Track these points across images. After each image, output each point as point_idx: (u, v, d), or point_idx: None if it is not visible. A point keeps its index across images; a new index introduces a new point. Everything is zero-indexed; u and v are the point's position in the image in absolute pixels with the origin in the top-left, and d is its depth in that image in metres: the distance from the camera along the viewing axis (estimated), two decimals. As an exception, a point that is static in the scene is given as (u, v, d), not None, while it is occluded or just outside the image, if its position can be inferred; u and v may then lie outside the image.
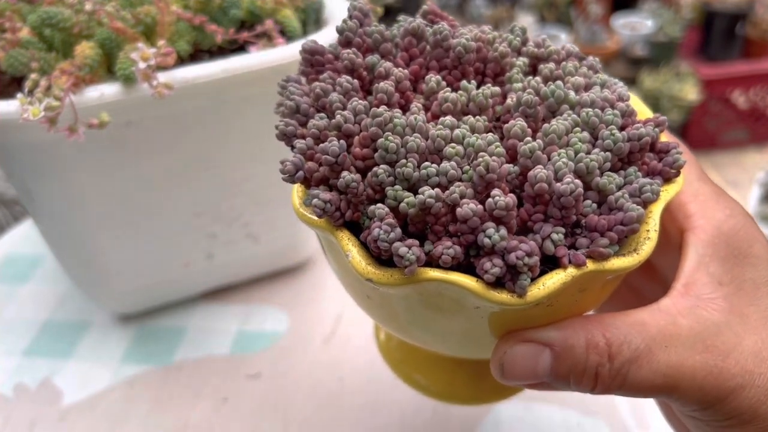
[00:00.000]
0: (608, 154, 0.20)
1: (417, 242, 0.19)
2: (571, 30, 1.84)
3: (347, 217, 0.21)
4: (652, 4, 1.87)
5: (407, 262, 0.19)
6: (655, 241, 0.20)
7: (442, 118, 0.21)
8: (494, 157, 0.19)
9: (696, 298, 0.20)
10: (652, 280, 0.26)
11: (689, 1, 1.81)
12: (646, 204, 0.20)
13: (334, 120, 0.21)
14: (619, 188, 0.20)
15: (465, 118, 0.21)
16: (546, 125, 0.21)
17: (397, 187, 0.20)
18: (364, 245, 0.20)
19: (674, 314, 0.20)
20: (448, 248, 0.19)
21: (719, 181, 1.76)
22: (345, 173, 0.20)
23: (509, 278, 0.19)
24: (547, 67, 0.23)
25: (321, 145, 0.21)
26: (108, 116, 0.32)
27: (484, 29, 0.24)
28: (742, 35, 1.78)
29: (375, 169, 0.20)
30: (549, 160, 0.20)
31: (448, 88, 0.22)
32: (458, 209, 0.19)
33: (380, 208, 0.20)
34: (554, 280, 0.19)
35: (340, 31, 0.24)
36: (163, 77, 0.33)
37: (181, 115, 0.37)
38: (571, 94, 0.22)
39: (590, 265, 0.19)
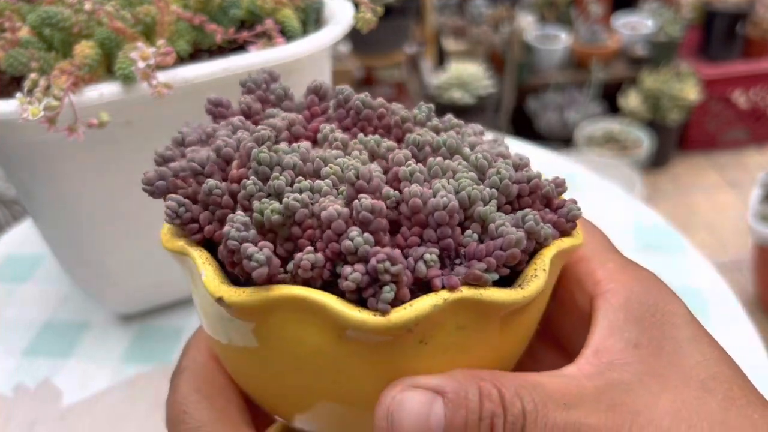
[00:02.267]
0: (494, 191, 0.19)
1: (271, 245, 0.17)
2: (571, 30, 1.84)
3: (207, 232, 0.19)
4: (653, 4, 1.87)
5: (255, 263, 0.16)
6: (543, 283, 0.18)
7: (331, 152, 0.20)
8: (367, 167, 0.18)
9: (607, 365, 0.18)
10: (563, 356, 0.24)
11: (689, 0, 1.81)
12: (539, 246, 0.19)
13: (214, 144, 0.20)
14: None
15: (354, 153, 0.20)
16: (431, 159, 0.20)
17: (264, 199, 0.18)
18: (227, 271, 0.18)
19: (578, 377, 0.18)
20: (308, 254, 0.17)
21: (719, 181, 1.76)
22: (213, 181, 0.19)
23: (372, 293, 0.17)
24: (444, 128, 0.22)
25: (188, 152, 0.20)
26: (107, 116, 0.32)
27: (396, 106, 0.23)
28: (743, 35, 1.78)
29: (244, 181, 0.18)
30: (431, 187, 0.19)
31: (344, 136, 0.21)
32: (323, 212, 0.17)
33: (239, 215, 0.18)
34: (424, 302, 0.17)
35: (242, 83, 0.24)
36: (162, 77, 0.33)
37: (181, 115, 0.37)
38: (466, 149, 0.21)
39: (465, 291, 0.17)
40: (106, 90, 0.33)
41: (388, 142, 0.21)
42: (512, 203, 0.20)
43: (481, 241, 0.18)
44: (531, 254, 0.19)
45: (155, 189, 0.20)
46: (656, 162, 1.77)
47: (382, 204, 0.17)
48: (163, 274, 0.45)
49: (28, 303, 0.50)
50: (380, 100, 0.23)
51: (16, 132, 0.34)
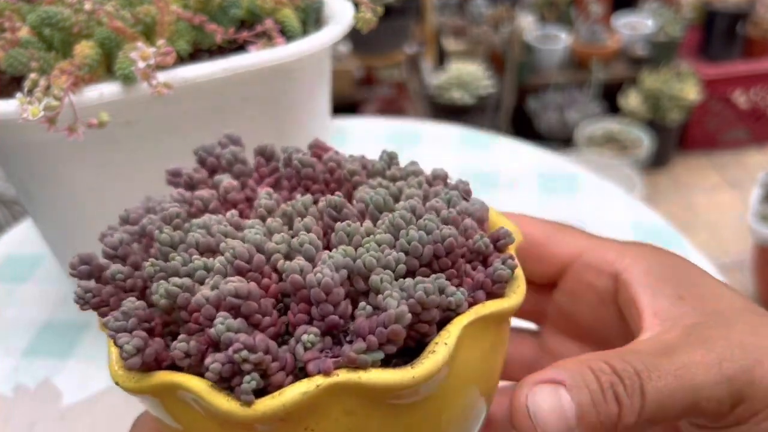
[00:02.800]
0: (401, 255, 0.18)
1: (144, 334, 0.17)
2: (571, 30, 1.84)
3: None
4: (653, 4, 1.87)
5: (125, 354, 0.17)
6: (441, 360, 0.16)
7: (248, 222, 0.20)
8: (246, 245, 0.18)
9: (671, 319, 0.20)
10: (591, 348, 0.25)
11: (690, 0, 1.81)
12: (453, 314, 0.18)
13: (132, 227, 0.21)
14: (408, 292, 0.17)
15: (269, 221, 0.20)
16: (337, 224, 0.19)
17: (162, 281, 0.18)
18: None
19: (658, 336, 0.20)
20: (181, 342, 0.17)
21: (719, 181, 1.76)
22: (115, 266, 0.19)
23: (238, 383, 0.16)
24: (401, 176, 0.22)
25: (107, 233, 0.20)
26: (107, 116, 0.32)
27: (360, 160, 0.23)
28: (743, 35, 1.78)
29: (144, 263, 0.18)
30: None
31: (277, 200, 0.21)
32: (193, 298, 0.17)
33: (130, 301, 0.18)
34: (293, 390, 0.16)
35: (195, 152, 0.24)
36: (162, 77, 0.33)
37: (181, 115, 0.37)
38: (390, 200, 0.20)
39: (342, 375, 0.16)
40: (106, 90, 0.33)
41: (305, 198, 0.20)
42: (431, 265, 0.18)
43: (375, 314, 0.17)
44: (444, 323, 0.18)
45: (77, 273, 0.20)
46: (656, 162, 1.77)
47: (251, 286, 0.17)
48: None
49: (28, 303, 0.50)
50: (329, 154, 0.23)
51: (16, 132, 0.34)
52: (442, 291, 0.17)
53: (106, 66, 0.34)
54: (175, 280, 0.17)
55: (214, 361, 0.16)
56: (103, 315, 0.19)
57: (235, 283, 0.17)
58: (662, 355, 0.18)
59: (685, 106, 1.70)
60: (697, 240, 1.52)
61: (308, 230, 0.19)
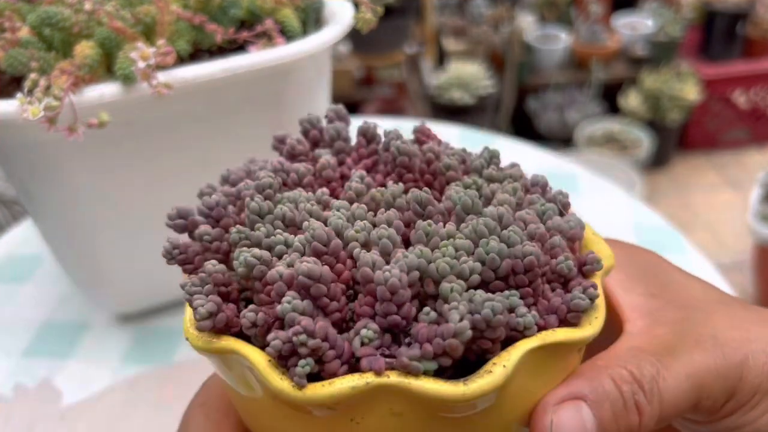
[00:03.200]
0: (477, 264, 0.17)
1: (219, 299, 0.18)
2: (571, 30, 1.84)
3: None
4: (653, 4, 1.87)
5: (198, 316, 0.17)
6: (497, 381, 0.16)
7: (335, 202, 0.20)
8: (327, 228, 0.18)
9: (649, 314, 0.20)
10: None
11: (690, 0, 1.81)
12: (520, 335, 0.17)
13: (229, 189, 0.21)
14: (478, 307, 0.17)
15: (354, 206, 0.20)
16: (419, 222, 0.18)
17: (243, 249, 0.18)
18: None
19: (649, 331, 0.20)
20: (250, 311, 0.17)
21: (719, 181, 1.76)
22: (205, 227, 0.20)
23: (294, 363, 0.16)
24: (499, 177, 0.22)
25: (205, 192, 0.21)
26: (107, 116, 0.32)
27: (456, 151, 0.23)
28: (743, 35, 1.78)
29: (231, 228, 0.19)
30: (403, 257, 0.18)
31: (365, 184, 0.21)
32: (268, 272, 0.17)
33: (211, 264, 0.18)
34: (343, 382, 0.16)
35: (300, 122, 0.24)
36: (162, 77, 0.33)
37: (181, 115, 0.37)
38: (479, 204, 0.19)
39: (392, 377, 0.16)
40: (106, 90, 0.33)
41: (395, 187, 0.20)
42: (507, 279, 0.18)
43: (438, 322, 0.17)
44: (509, 342, 0.17)
45: (173, 225, 0.21)
46: (656, 162, 1.77)
47: (324, 269, 0.17)
48: (163, 275, 0.45)
49: (27, 303, 0.50)
50: (430, 144, 0.22)
51: (16, 132, 0.34)
52: (511, 310, 0.17)
53: (106, 66, 0.34)
54: (255, 251, 0.18)
55: (275, 338, 0.16)
56: (186, 272, 0.20)
57: (310, 264, 0.17)
58: (668, 355, 0.19)
59: (685, 106, 1.70)
60: (697, 240, 1.52)
61: (389, 224, 0.19)
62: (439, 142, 0.24)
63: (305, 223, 0.19)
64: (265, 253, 0.18)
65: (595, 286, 0.18)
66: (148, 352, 0.45)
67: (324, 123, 0.24)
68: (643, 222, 0.57)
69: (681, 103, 1.68)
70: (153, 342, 0.46)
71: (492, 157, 0.22)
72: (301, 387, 0.16)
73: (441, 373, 0.17)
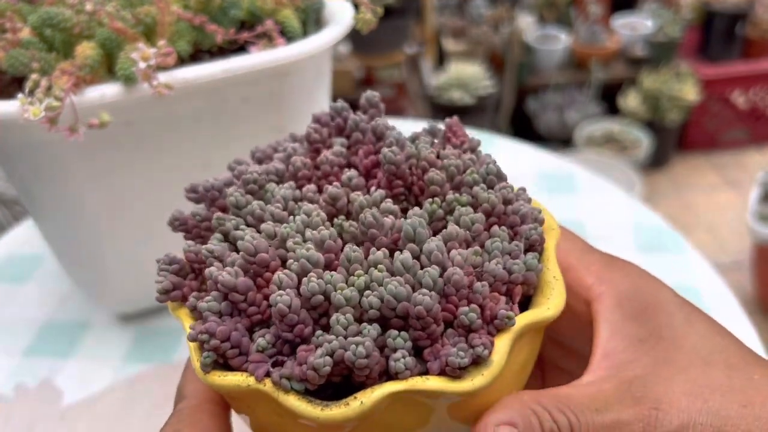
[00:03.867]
0: (376, 300, 0.18)
1: (177, 279, 0.21)
2: (570, 30, 1.84)
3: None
4: (652, 4, 1.87)
5: (157, 292, 0.21)
6: (350, 415, 0.18)
7: (304, 206, 0.21)
8: (254, 242, 0.19)
9: (618, 365, 0.20)
10: (570, 360, 0.26)
11: (689, 1, 1.81)
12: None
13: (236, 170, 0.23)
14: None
15: (314, 214, 0.21)
16: (348, 247, 0.20)
17: (215, 235, 0.21)
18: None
19: (597, 383, 0.20)
20: (194, 297, 0.20)
21: (718, 181, 1.76)
22: (196, 208, 0.22)
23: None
24: (460, 200, 0.22)
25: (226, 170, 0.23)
26: (108, 116, 0.32)
27: (462, 159, 0.23)
28: (742, 35, 1.79)
29: (216, 213, 0.22)
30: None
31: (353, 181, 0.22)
32: (205, 270, 0.20)
33: (186, 244, 0.21)
34: (234, 379, 0.19)
35: (331, 106, 0.25)
36: (163, 77, 0.33)
37: (182, 115, 0.37)
38: (424, 234, 0.20)
39: (267, 386, 0.18)
40: (107, 90, 0.33)
41: (368, 202, 0.21)
42: (407, 319, 0.19)
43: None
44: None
45: (188, 197, 0.24)
46: (656, 162, 1.77)
47: (238, 281, 0.19)
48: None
49: (28, 303, 0.50)
50: (428, 152, 0.22)
51: (17, 132, 0.34)
52: (395, 350, 0.18)
53: (107, 66, 0.35)
54: (209, 246, 0.21)
55: (192, 330, 0.19)
56: (186, 239, 0.23)
57: (225, 276, 0.19)
58: (594, 410, 0.19)
59: (685, 106, 1.70)
60: (697, 240, 1.52)
61: (319, 245, 0.20)
62: (462, 142, 0.24)
63: (238, 232, 0.20)
64: (218, 248, 0.20)
65: (487, 345, 0.18)
66: (149, 351, 0.45)
67: (348, 113, 0.25)
68: (643, 222, 0.57)
69: (680, 103, 1.68)
70: (153, 342, 0.46)
71: (488, 174, 0.22)
72: (204, 373, 0.19)
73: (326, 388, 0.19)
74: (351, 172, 0.22)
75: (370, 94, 0.25)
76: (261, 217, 0.21)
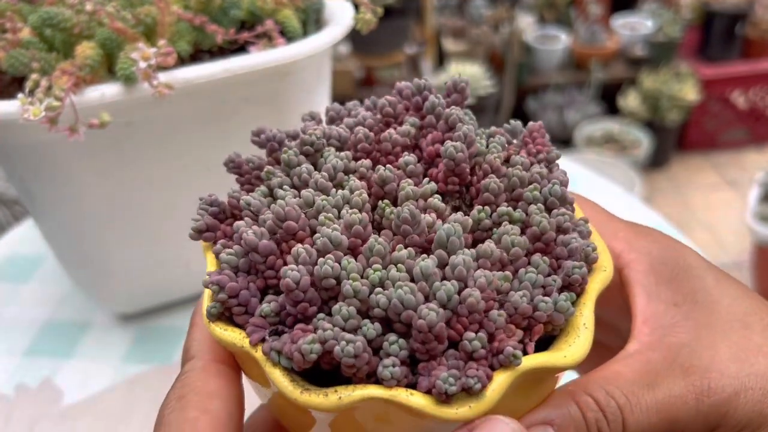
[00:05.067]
0: (384, 299, 0.18)
1: (213, 220, 0.21)
2: (570, 30, 1.84)
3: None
4: (652, 5, 1.87)
5: (190, 231, 0.21)
6: (325, 406, 0.17)
7: (352, 182, 0.21)
8: (286, 208, 0.19)
9: (660, 329, 0.20)
10: (608, 334, 0.26)
11: (689, 1, 1.81)
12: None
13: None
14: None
15: (357, 192, 0.21)
16: (373, 237, 0.19)
17: (260, 187, 0.21)
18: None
19: (644, 353, 0.20)
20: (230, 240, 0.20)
21: (719, 181, 1.76)
22: (252, 156, 0.22)
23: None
24: (512, 215, 0.21)
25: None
26: (108, 116, 0.32)
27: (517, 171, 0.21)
28: (742, 35, 1.79)
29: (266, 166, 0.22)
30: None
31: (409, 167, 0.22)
32: (234, 222, 0.20)
33: (231, 189, 0.22)
34: (232, 337, 0.19)
35: (414, 84, 0.24)
36: (163, 77, 0.33)
37: (182, 115, 0.37)
38: (456, 243, 0.19)
39: (258, 353, 0.18)
40: (107, 90, 0.33)
41: (416, 194, 0.20)
42: (410, 326, 0.18)
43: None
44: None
45: (254, 140, 0.24)
46: (655, 162, 1.77)
47: (261, 243, 0.19)
48: (163, 274, 0.45)
49: (29, 303, 0.50)
50: (492, 156, 0.21)
51: (17, 132, 0.34)
52: (389, 354, 0.18)
53: (107, 66, 0.35)
54: (250, 199, 0.21)
55: (208, 280, 0.19)
56: (237, 182, 0.23)
57: (250, 235, 0.19)
58: (645, 386, 0.19)
59: (684, 106, 1.70)
60: (696, 240, 1.52)
61: (350, 227, 0.19)
62: (539, 151, 0.23)
63: (279, 191, 0.21)
64: (256, 202, 0.20)
65: (482, 378, 0.17)
66: (149, 351, 0.45)
67: (428, 93, 0.24)
68: (643, 222, 0.57)
69: (680, 103, 1.69)
70: (154, 341, 0.46)
71: (551, 195, 0.21)
72: (210, 320, 0.19)
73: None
74: (409, 157, 0.21)
75: (459, 79, 0.24)
76: (306, 182, 0.21)
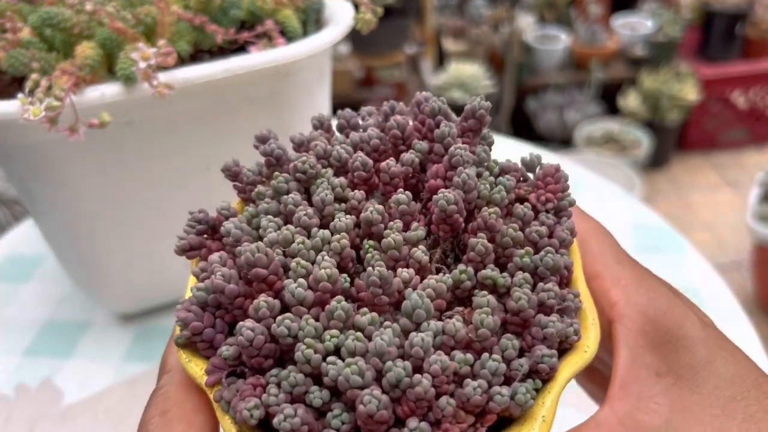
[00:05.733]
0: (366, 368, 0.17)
1: (197, 238, 0.21)
2: (570, 30, 1.84)
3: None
4: (652, 5, 1.87)
5: (176, 246, 0.22)
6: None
7: (338, 222, 0.20)
8: (256, 254, 0.19)
9: (635, 399, 0.20)
10: (591, 381, 0.25)
11: (689, 1, 1.81)
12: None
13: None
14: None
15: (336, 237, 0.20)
16: (337, 300, 0.18)
17: (247, 209, 0.22)
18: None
19: (614, 425, 0.19)
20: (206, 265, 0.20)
21: (718, 181, 1.76)
22: (253, 166, 0.23)
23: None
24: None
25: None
26: (108, 116, 0.32)
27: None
28: (742, 35, 1.79)
29: (259, 185, 0.22)
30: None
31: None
32: (209, 256, 0.20)
33: (223, 202, 0.22)
34: (195, 369, 0.19)
35: (419, 100, 0.24)
36: (163, 77, 0.33)
37: (182, 115, 0.37)
38: (430, 309, 0.18)
39: (212, 394, 0.19)
40: (107, 90, 0.33)
41: (403, 239, 0.19)
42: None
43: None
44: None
45: (257, 146, 0.24)
46: (655, 162, 1.77)
47: (227, 286, 0.19)
48: (163, 274, 0.45)
49: (29, 303, 0.50)
50: (488, 213, 0.20)
51: (17, 132, 0.34)
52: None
53: (107, 66, 0.35)
54: (236, 223, 0.21)
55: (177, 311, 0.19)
56: (235, 188, 0.23)
57: (218, 279, 0.19)
58: None
59: (684, 106, 1.70)
60: (696, 240, 1.52)
61: (316, 279, 0.18)
62: (548, 200, 0.22)
63: (263, 221, 0.21)
64: (236, 232, 0.20)
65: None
66: (149, 351, 0.45)
67: (434, 107, 0.24)
68: (643, 222, 0.57)
69: (680, 103, 1.69)
70: (153, 341, 0.46)
71: (544, 266, 0.20)
72: (179, 348, 0.20)
73: None
74: (401, 196, 0.20)
75: (479, 104, 0.22)
76: (292, 213, 0.21)
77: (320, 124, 0.24)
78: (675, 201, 1.71)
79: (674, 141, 1.82)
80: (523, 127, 1.80)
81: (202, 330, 0.19)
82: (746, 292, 1.38)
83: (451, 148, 0.21)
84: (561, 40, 1.81)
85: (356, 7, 0.40)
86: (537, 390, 0.18)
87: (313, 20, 0.41)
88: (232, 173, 0.23)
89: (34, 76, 0.32)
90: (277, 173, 0.22)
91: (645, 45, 1.79)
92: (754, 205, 1.28)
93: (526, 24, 1.80)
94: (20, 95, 0.31)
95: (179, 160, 0.39)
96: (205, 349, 0.19)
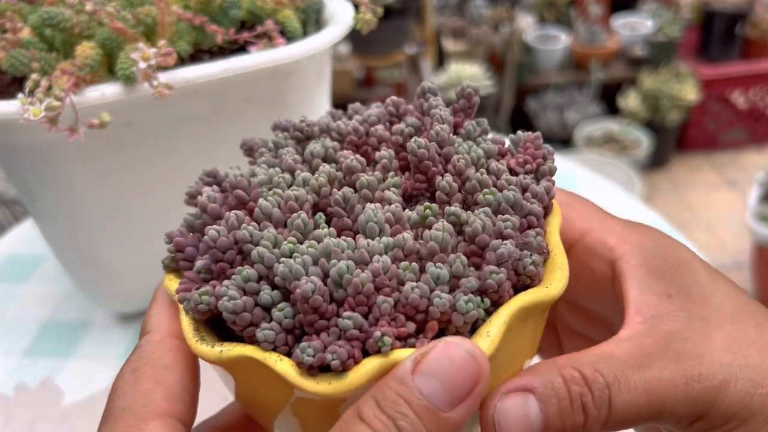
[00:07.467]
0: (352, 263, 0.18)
1: (185, 233, 0.21)
2: (570, 30, 1.84)
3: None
4: (652, 5, 1.87)
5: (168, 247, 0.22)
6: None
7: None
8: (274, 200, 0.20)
9: (653, 318, 0.20)
10: (598, 327, 0.26)
11: (689, 1, 1.81)
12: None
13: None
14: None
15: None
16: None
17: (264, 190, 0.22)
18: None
19: (637, 338, 0.20)
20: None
21: (718, 181, 1.76)
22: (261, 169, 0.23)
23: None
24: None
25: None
26: (108, 116, 0.32)
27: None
28: (742, 35, 1.79)
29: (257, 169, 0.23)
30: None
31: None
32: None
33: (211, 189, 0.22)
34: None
35: (424, 88, 0.24)
36: (163, 77, 0.33)
37: (182, 115, 0.37)
38: (449, 239, 0.19)
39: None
40: (107, 90, 0.33)
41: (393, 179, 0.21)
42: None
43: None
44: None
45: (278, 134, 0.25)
46: (655, 162, 1.77)
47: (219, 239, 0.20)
48: (162, 274, 0.45)
49: (28, 303, 0.50)
50: (461, 161, 0.21)
51: (17, 132, 0.34)
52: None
53: (107, 67, 0.35)
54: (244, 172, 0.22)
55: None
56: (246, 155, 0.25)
57: (213, 231, 0.19)
58: (635, 367, 0.19)
59: (684, 106, 1.70)
60: (696, 240, 1.52)
61: (284, 199, 0.20)
62: (526, 161, 0.22)
63: (257, 169, 0.22)
64: (231, 177, 0.21)
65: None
66: (149, 351, 0.45)
67: (431, 92, 0.24)
68: (642, 221, 0.57)
69: (680, 103, 1.69)
70: (153, 342, 0.46)
71: (505, 200, 0.20)
72: (164, 268, 0.22)
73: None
74: (384, 152, 0.22)
75: (467, 85, 0.24)
76: (292, 168, 0.22)
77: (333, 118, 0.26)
78: (675, 201, 1.71)
79: (674, 141, 1.82)
80: (523, 127, 1.78)
81: (184, 247, 0.20)
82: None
83: (433, 110, 0.22)
84: (561, 40, 1.81)
85: (356, 7, 0.40)
86: (487, 312, 0.18)
87: (313, 20, 0.41)
88: (248, 146, 0.25)
89: (34, 76, 0.32)
90: (278, 131, 0.24)
91: (645, 45, 1.79)
92: (754, 205, 1.28)
93: (526, 24, 1.81)
94: (20, 95, 0.31)
95: (179, 159, 0.39)
96: (187, 270, 0.21)
